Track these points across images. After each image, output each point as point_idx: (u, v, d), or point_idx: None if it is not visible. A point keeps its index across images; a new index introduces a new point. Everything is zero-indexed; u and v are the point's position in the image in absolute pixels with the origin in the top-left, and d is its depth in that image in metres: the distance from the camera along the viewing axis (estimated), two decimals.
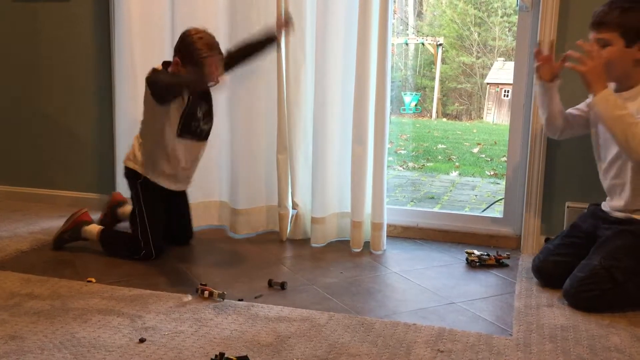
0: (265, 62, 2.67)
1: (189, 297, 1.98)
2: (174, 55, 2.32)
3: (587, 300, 1.94)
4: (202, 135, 2.44)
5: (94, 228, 2.48)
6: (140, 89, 2.83)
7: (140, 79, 2.82)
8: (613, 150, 2.04)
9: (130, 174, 2.44)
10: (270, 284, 2.13)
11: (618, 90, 2.00)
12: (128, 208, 2.60)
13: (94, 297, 1.99)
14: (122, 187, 2.92)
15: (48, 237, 2.65)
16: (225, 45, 2.72)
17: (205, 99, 2.43)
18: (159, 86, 2.26)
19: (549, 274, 2.16)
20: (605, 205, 2.16)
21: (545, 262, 2.18)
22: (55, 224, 2.86)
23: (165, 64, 2.37)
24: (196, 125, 2.39)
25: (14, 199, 3.31)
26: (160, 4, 2.79)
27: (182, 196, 2.56)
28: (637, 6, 1.86)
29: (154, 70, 2.31)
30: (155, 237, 2.36)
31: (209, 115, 2.46)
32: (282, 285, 2.11)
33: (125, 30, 2.79)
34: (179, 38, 2.31)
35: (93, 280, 2.15)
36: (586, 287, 1.94)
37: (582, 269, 2.00)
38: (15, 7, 3.17)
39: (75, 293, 2.02)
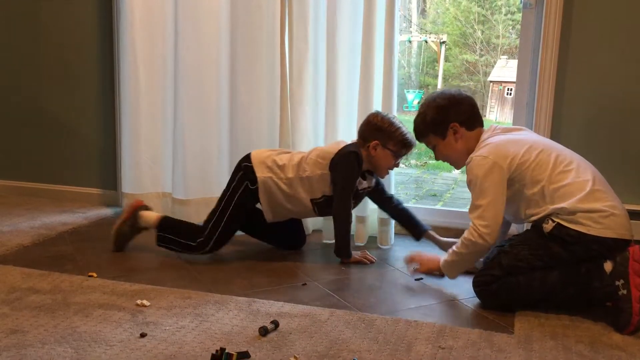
0: (267, 59, 2.67)
1: None
2: (371, 138, 2.31)
3: (478, 285, 1.98)
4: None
5: (152, 215, 2.42)
6: (142, 84, 2.85)
7: (142, 75, 2.84)
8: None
9: (249, 171, 2.33)
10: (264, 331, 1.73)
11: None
12: (152, 215, 2.43)
13: (95, 292, 1.99)
14: (127, 183, 2.93)
15: (50, 231, 2.65)
16: (227, 41, 2.73)
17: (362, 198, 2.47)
18: (342, 210, 2.31)
19: None
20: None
21: None
22: (57, 219, 2.87)
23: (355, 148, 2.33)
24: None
25: (15, 194, 3.31)
26: (162, 0, 2.79)
27: None
28: (424, 109, 2.16)
29: (350, 169, 2.29)
30: (221, 235, 2.31)
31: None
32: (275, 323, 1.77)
33: (128, 27, 2.79)
34: (380, 122, 2.32)
35: (94, 275, 2.15)
36: (481, 272, 2.00)
37: None
38: (16, 4, 3.17)
39: (76, 288, 2.02)
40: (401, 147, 2.33)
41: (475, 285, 2.00)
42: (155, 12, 2.81)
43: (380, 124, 2.32)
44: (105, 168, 3.16)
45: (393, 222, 2.60)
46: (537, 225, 1.97)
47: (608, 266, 1.83)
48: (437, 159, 2.21)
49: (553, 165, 1.94)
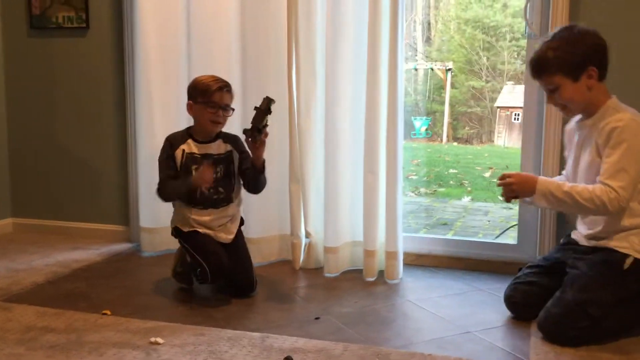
0: (276, 89, 2.69)
1: None
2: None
3: (563, 338, 1.88)
4: (208, 203, 2.35)
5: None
6: (157, 122, 2.88)
7: (157, 112, 2.87)
8: (581, 175, 2.02)
9: (173, 232, 2.44)
10: None
11: (586, 117, 2.01)
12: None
13: (109, 330, 1.99)
14: (144, 217, 2.93)
15: (64, 269, 2.67)
16: (239, 79, 2.75)
17: (220, 163, 2.37)
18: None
19: (517, 302, 2.14)
20: (575, 234, 2.14)
21: (514, 290, 2.16)
22: (70, 256, 2.88)
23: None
24: (200, 194, 2.33)
25: (29, 232, 3.34)
26: (175, 38, 2.84)
27: (232, 245, 2.42)
28: (561, 42, 1.91)
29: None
30: (206, 257, 2.25)
31: (222, 182, 2.36)
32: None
33: (143, 65, 2.84)
34: (190, 84, 2.39)
35: (108, 312, 2.15)
36: (562, 325, 1.88)
37: (556, 304, 1.92)
38: (30, 43, 3.24)
39: (90, 326, 2.03)
40: (206, 93, 2.28)
41: (560, 340, 1.88)
42: (169, 51, 2.85)
43: (189, 85, 2.36)
44: (118, 205, 3.18)
45: (401, 255, 2.57)
46: (602, 254, 1.92)
47: None
48: (550, 102, 1.98)
49: None
